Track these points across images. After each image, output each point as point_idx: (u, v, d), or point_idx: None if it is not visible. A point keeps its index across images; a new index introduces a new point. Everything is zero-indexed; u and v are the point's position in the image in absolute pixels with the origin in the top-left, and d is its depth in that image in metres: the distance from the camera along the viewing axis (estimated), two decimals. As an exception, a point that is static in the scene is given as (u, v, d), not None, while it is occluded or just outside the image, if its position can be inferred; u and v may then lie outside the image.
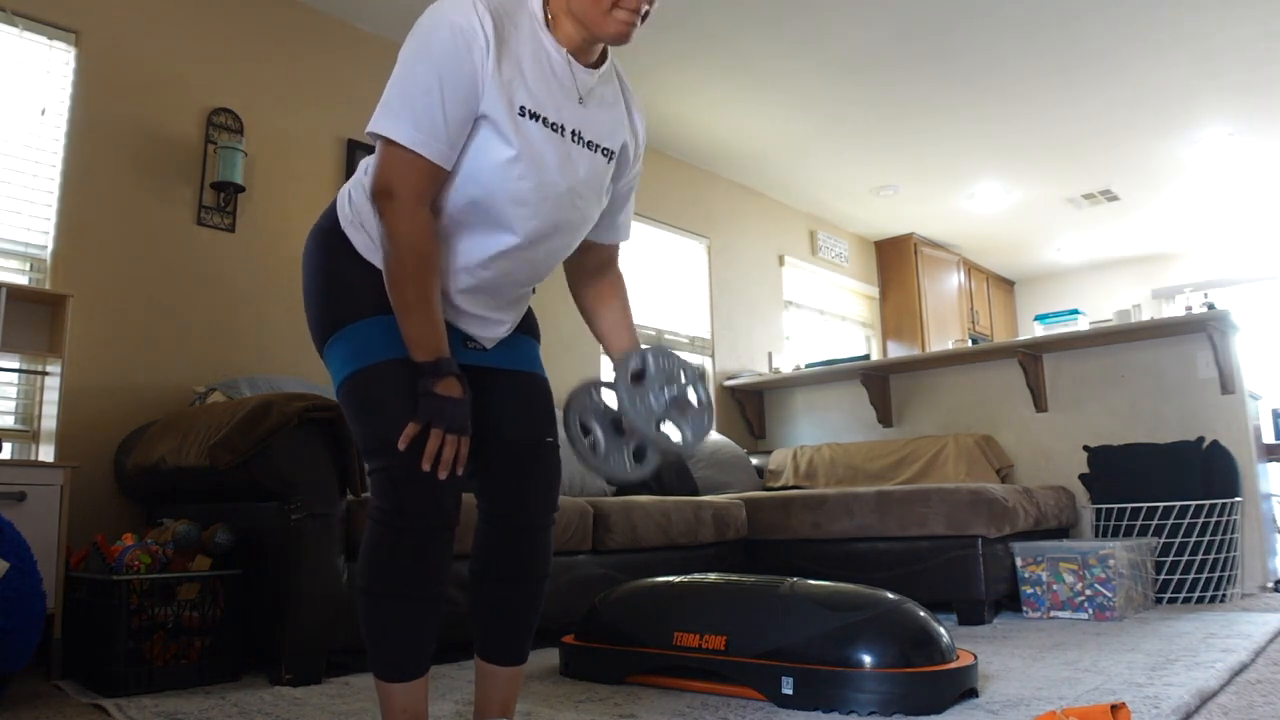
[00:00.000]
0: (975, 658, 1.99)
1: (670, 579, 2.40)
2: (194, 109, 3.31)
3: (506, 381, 1.50)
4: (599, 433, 1.36)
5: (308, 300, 1.43)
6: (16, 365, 2.78)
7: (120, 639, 2.12)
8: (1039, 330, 4.92)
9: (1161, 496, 3.76)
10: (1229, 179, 5.97)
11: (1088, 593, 3.28)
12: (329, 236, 1.41)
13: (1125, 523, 3.83)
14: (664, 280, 5.25)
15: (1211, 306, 4.39)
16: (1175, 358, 4.05)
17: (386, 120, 1.25)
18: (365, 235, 1.37)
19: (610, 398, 1.40)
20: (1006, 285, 8.37)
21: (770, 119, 5.00)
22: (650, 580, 2.44)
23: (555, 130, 1.33)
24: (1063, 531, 4.12)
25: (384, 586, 1.29)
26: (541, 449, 1.50)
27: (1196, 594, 3.65)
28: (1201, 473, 3.73)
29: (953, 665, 1.90)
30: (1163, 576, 3.71)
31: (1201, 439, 3.82)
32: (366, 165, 1.37)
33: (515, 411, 1.49)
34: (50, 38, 2.99)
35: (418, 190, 1.25)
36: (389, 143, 1.24)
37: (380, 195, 1.26)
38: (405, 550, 1.28)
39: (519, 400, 1.50)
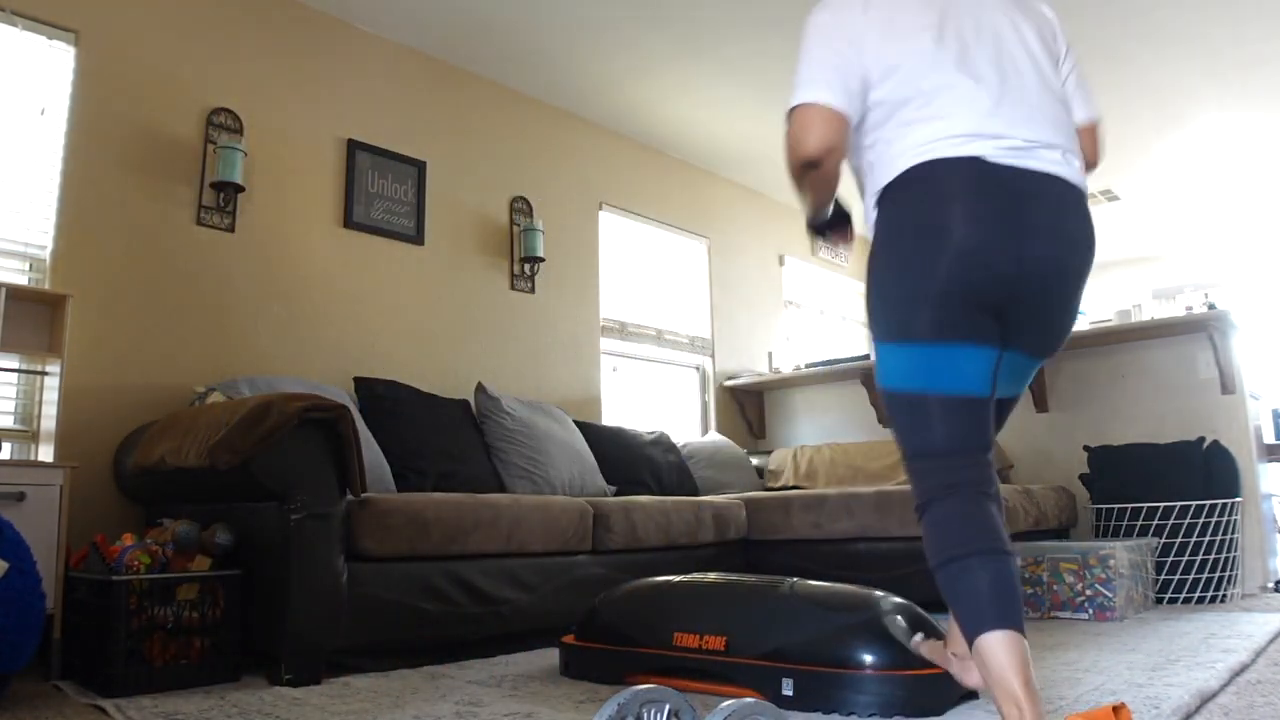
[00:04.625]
0: (975, 658, 1.98)
1: (670, 579, 2.40)
2: (194, 109, 3.31)
3: None
4: None
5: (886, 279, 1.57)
6: (16, 365, 2.78)
7: (120, 639, 2.12)
8: (1039, 330, 4.91)
9: (1161, 496, 3.76)
10: (1230, 179, 5.97)
11: (1088, 593, 3.28)
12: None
13: (1125, 523, 3.83)
14: (664, 280, 5.25)
15: (1212, 306, 4.38)
16: (1175, 358, 4.05)
17: None
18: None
19: None
20: (1006, 285, 8.35)
21: (770, 119, 4.99)
22: (650, 580, 2.43)
23: None
24: (1063, 531, 4.12)
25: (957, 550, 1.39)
26: None
27: (1197, 594, 3.64)
28: (1202, 473, 3.73)
29: (953, 666, 1.90)
30: (1163, 576, 3.71)
31: (1202, 439, 3.82)
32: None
33: None
34: (50, 38, 2.99)
35: None
36: None
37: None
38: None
39: None
